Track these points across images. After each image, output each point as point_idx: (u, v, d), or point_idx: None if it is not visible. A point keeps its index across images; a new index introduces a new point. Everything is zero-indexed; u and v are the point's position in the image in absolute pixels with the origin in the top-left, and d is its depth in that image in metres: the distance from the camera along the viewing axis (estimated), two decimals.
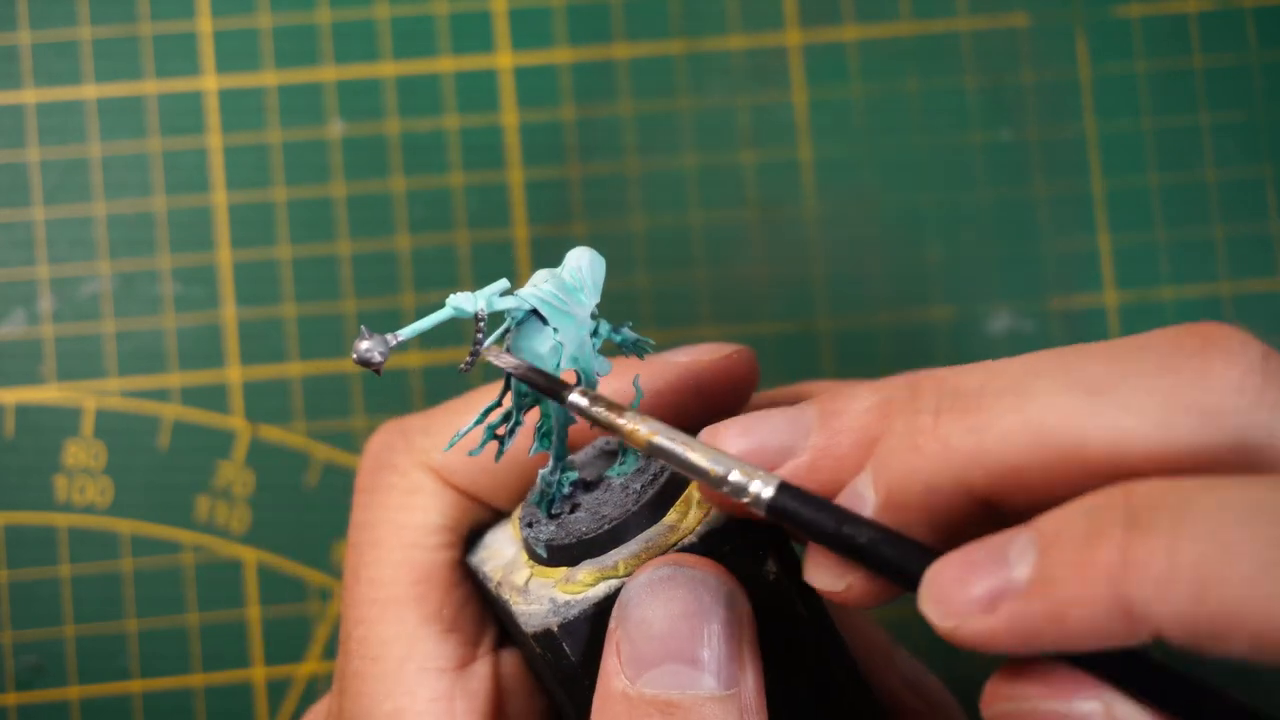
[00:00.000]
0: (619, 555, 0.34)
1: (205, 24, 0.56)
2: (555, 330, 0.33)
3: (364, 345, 0.32)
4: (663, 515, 0.34)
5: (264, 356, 0.55)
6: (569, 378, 0.34)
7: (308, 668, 0.54)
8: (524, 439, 0.36)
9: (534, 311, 0.33)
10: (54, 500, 0.54)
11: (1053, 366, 0.28)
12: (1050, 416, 0.27)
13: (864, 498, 0.30)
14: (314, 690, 0.54)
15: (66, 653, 0.54)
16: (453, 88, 0.57)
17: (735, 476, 0.30)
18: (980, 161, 0.57)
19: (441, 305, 0.33)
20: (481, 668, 0.39)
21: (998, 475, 0.28)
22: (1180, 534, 0.24)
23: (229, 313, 0.55)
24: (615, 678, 0.32)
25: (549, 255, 0.56)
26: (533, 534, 0.35)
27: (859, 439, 0.31)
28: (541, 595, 0.36)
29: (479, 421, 0.35)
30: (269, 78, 0.56)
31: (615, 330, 0.35)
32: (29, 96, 0.56)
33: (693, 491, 0.35)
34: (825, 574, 0.31)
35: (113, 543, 0.54)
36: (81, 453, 0.55)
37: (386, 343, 0.32)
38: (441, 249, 0.56)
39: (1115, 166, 0.57)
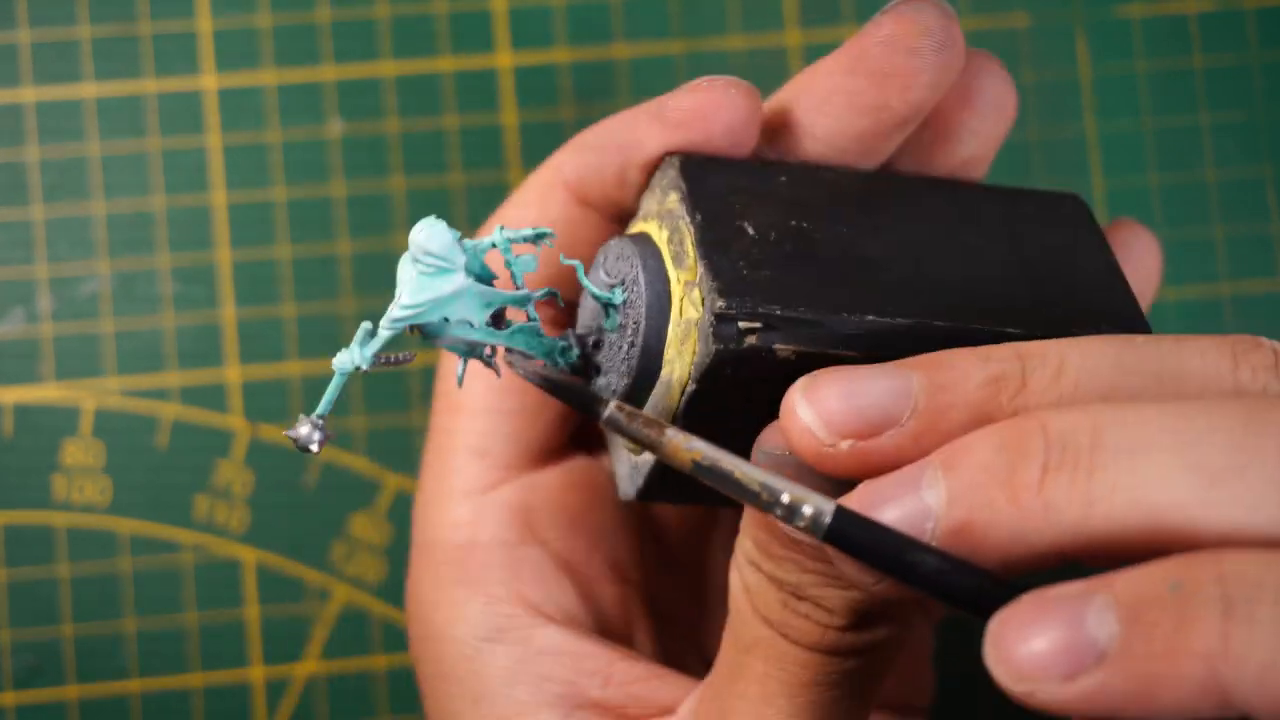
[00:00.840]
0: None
1: (205, 23, 0.56)
2: (447, 320, 0.33)
3: (303, 431, 0.33)
4: (657, 372, 0.34)
5: (263, 356, 0.55)
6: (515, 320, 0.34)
7: (306, 667, 0.54)
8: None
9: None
10: (52, 499, 0.54)
11: (1169, 439, 0.26)
12: (1165, 500, 0.26)
13: (923, 499, 0.28)
14: (313, 690, 0.54)
15: (64, 652, 0.54)
16: (453, 87, 0.57)
17: (787, 499, 0.28)
18: None
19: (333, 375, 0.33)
20: (509, 490, 0.39)
21: (1095, 546, 0.27)
22: None
23: (228, 312, 0.55)
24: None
25: None
26: None
27: (969, 417, 0.29)
28: (620, 454, 0.37)
29: (465, 362, 0.34)
30: (268, 77, 0.56)
31: (511, 235, 0.34)
32: (28, 95, 0.56)
33: (670, 331, 0.33)
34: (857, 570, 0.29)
35: (111, 542, 0.54)
36: (80, 452, 0.55)
37: (320, 425, 0.33)
38: None
39: (1115, 166, 0.57)
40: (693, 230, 0.33)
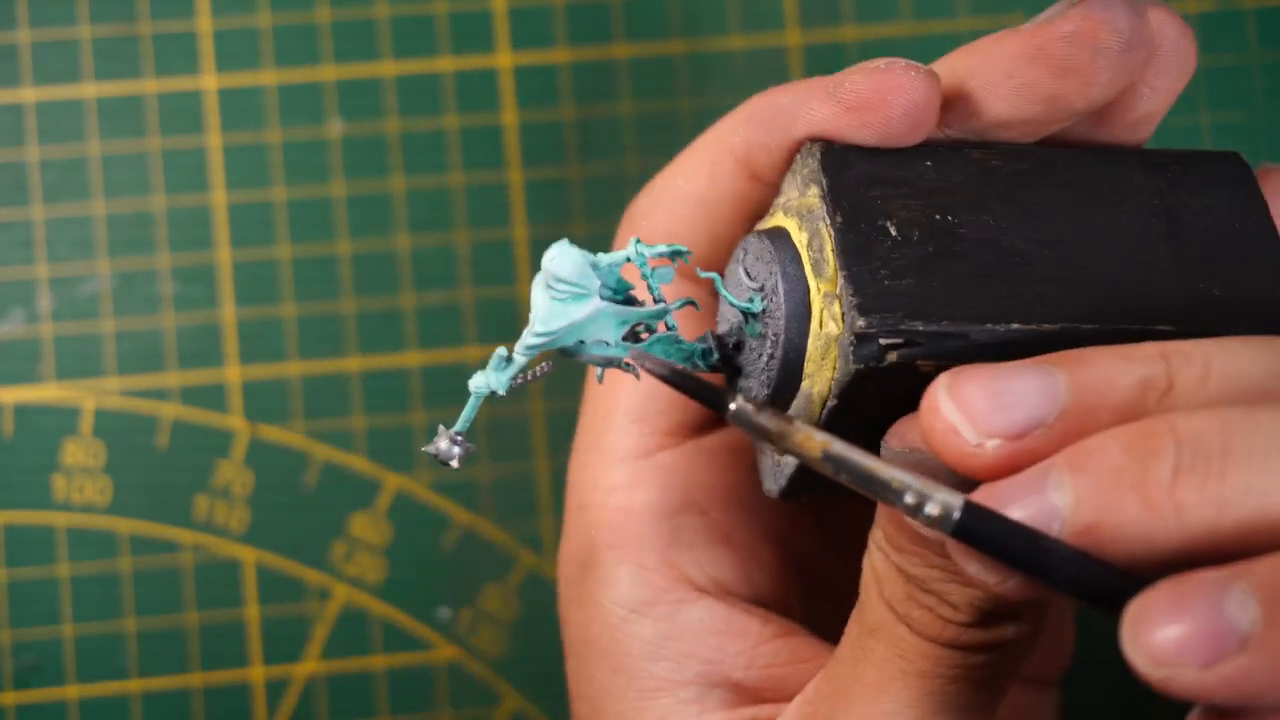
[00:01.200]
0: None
1: (205, 23, 0.56)
2: (583, 342, 0.33)
3: (443, 445, 0.33)
4: (797, 385, 0.33)
5: (263, 356, 0.55)
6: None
7: (306, 667, 0.54)
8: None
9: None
10: (52, 499, 0.54)
11: None
12: None
13: (1049, 500, 0.27)
14: (313, 690, 0.54)
15: (64, 652, 0.54)
16: (453, 87, 0.57)
17: (915, 492, 0.28)
18: None
19: (468, 394, 0.34)
20: (667, 457, 0.38)
21: (1227, 547, 0.26)
22: None
23: (228, 312, 0.55)
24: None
25: None
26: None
27: (1116, 420, 0.28)
28: (765, 449, 0.36)
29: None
30: (268, 77, 0.56)
31: (648, 250, 0.34)
32: (28, 95, 0.56)
33: (810, 345, 0.33)
34: (989, 571, 0.29)
35: (111, 542, 0.54)
36: (80, 452, 0.55)
37: (460, 440, 0.33)
38: (441, 249, 0.56)
39: None
40: (833, 235, 0.32)
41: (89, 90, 0.56)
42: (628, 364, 0.34)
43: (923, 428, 0.29)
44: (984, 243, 0.32)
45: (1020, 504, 0.28)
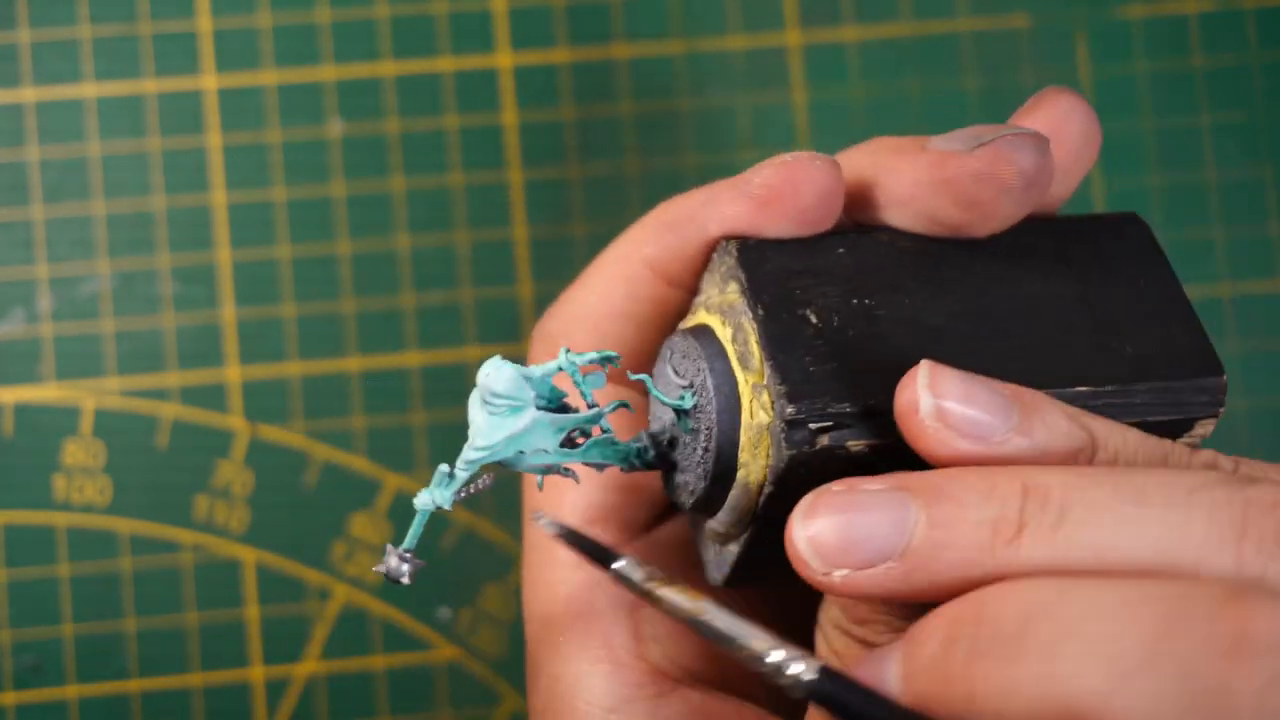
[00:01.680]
0: (724, 518, 0.34)
1: (205, 23, 0.56)
2: (521, 453, 0.34)
3: (391, 563, 0.34)
4: (733, 475, 0.34)
5: (263, 356, 0.55)
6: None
7: (306, 667, 0.54)
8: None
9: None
10: (52, 499, 0.54)
11: (1095, 629, 0.27)
12: (1080, 691, 0.26)
13: (888, 681, 0.29)
14: (313, 690, 0.54)
15: (64, 652, 0.54)
16: (453, 87, 0.57)
17: (774, 658, 0.30)
18: None
19: (414, 512, 0.35)
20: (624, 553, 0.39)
21: None
22: None
23: (228, 312, 0.55)
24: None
25: (549, 255, 0.56)
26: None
27: (959, 562, 0.29)
28: (705, 541, 0.37)
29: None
30: (268, 77, 0.56)
31: (578, 359, 0.34)
32: (28, 95, 0.56)
33: (742, 437, 0.34)
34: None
35: (111, 542, 0.54)
36: (80, 452, 0.55)
37: (408, 558, 0.34)
38: (441, 249, 0.56)
39: (1115, 166, 0.57)
40: (756, 329, 0.33)
41: (89, 90, 0.56)
42: (566, 469, 0.35)
43: (787, 550, 0.31)
44: (902, 322, 0.34)
45: (862, 672, 0.29)
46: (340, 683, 0.54)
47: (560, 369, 0.34)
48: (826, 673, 0.29)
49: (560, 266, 0.56)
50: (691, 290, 0.38)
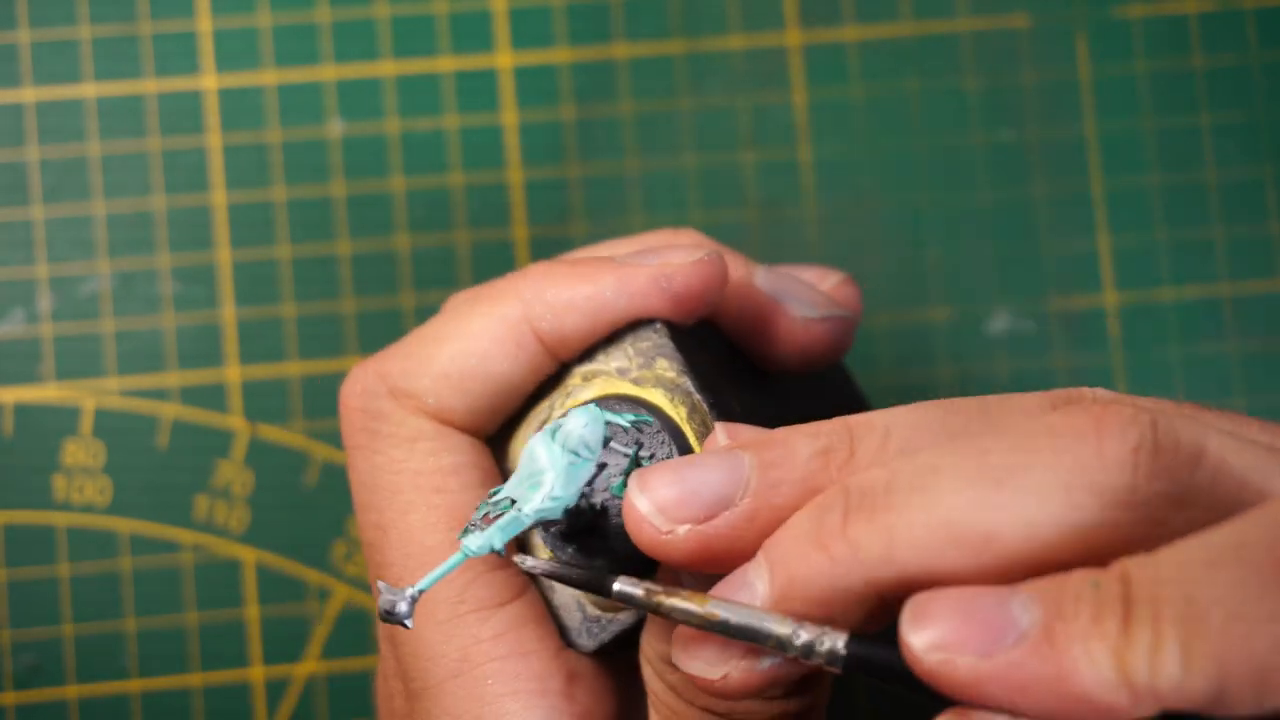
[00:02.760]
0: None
1: (205, 23, 0.56)
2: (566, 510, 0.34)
3: (387, 599, 0.32)
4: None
5: (263, 356, 0.55)
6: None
7: (306, 667, 0.54)
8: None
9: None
10: (53, 499, 0.54)
11: (955, 460, 0.28)
12: (958, 511, 0.28)
13: (754, 588, 0.30)
14: (313, 690, 0.54)
15: (65, 652, 0.54)
16: (453, 87, 0.57)
17: (803, 638, 0.29)
18: (980, 162, 0.57)
19: (458, 553, 0.33)
20: (531, 596, 0.39)
21: (910, 574, 0.28)
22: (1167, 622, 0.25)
23: (228, 312, 0.55)
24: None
25: (549, 255, 0.56)
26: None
27: (799, 491, 0.30)
28: (567, 604, 0.38)
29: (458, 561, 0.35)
30: (268, 77, 0.56)
31: (617, 414, 0.35)
32: (28, 95, 0.56)
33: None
34: (699, 662, 0.31)
35: (111, 542, 0.54)
36: (80, 452, 0.55)
37: (409, 597, 0.33)
38: (441, 249, 0.56)
39: (1115, 167, 0.57)
40: (709, 408, 0.36)
41: (89, 90, 0.56)
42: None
43: (626, 526, 0.31)
44: (766, 413, 0.39)
45: (733, 590, 0.30)
46: (340, 683, 0.54)
47: (632, 425, 0.35)
48: (855, 641, 0.29)
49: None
50: (561, 361, 0.39)
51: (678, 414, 0.36)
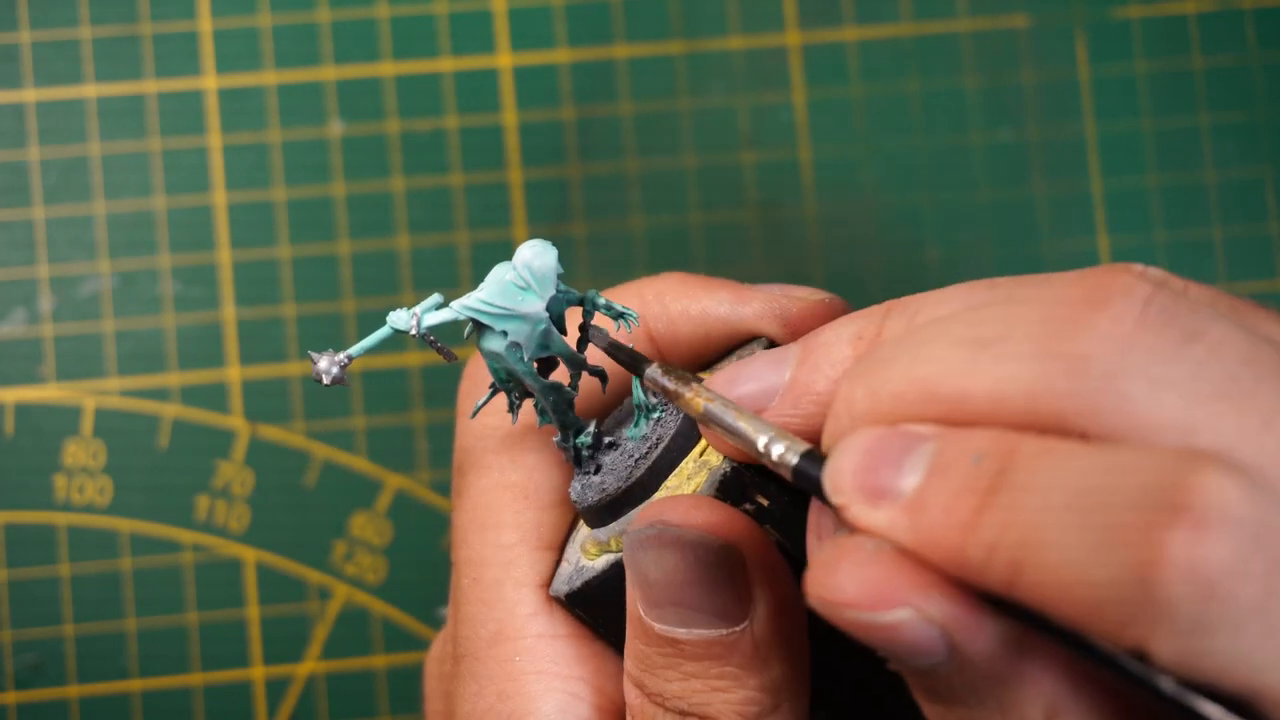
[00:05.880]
0: (615, 529, 0.35)
1: (205, 24, 0.56)
2: (504, 333, 0.34)
3: (322, 364, 0.34)
4: (662, 480, 0.35)
5: (263, 356, 0.55)
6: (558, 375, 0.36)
7: (307, 667, 0.54)
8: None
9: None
10: (53, 499, 0.54)
11: (950, 326, 0.29)
12: (935, 373, 0.28)
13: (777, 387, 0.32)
14: (313, 689, 0.54)
15: (66, 652, 0.54)
16: (453, 88, 0.57)
17: (765, 443, 0.31)
18: (980, 161, 0.57)
19: (382, 324, 0.35)
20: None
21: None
22: (1012, 508, 0.26)
23: (229, 312, 0.55)
24: (636, 606, 0.33)
25: None
26: (571, 493, 0.37)
27: (837, 374, 0.31)
28: (572, 555, 0.38)
29: (492, 395, 0.36)
30: (269, 77, 0.56)
31: (608, 305, 0.36)
32: (29, 96, 0.56)
33: (686, 464, 0.35)
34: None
35: (112, 542, 0.54)
36: (81, 452, 0.55)
37: (339, 362, 0.34)
38: (441, 249, 0.56)
39: (1115, 167, 0.57)
40: None
41: (90, 91, 0.56)
42: (517, 399, 0.36)
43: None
44: None
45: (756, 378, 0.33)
46: (340, 683, 0.54)
47: (581, 301, 0.35)
48: (810, 456, 0.30)
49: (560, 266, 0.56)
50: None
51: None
